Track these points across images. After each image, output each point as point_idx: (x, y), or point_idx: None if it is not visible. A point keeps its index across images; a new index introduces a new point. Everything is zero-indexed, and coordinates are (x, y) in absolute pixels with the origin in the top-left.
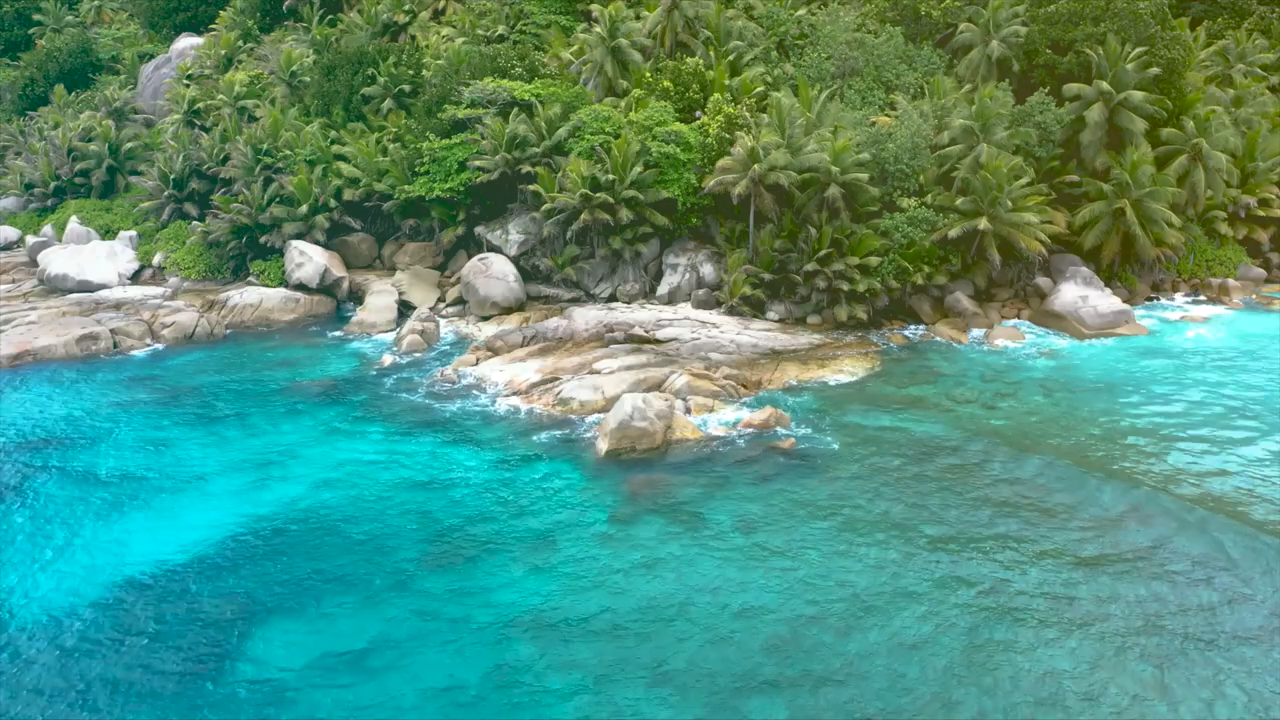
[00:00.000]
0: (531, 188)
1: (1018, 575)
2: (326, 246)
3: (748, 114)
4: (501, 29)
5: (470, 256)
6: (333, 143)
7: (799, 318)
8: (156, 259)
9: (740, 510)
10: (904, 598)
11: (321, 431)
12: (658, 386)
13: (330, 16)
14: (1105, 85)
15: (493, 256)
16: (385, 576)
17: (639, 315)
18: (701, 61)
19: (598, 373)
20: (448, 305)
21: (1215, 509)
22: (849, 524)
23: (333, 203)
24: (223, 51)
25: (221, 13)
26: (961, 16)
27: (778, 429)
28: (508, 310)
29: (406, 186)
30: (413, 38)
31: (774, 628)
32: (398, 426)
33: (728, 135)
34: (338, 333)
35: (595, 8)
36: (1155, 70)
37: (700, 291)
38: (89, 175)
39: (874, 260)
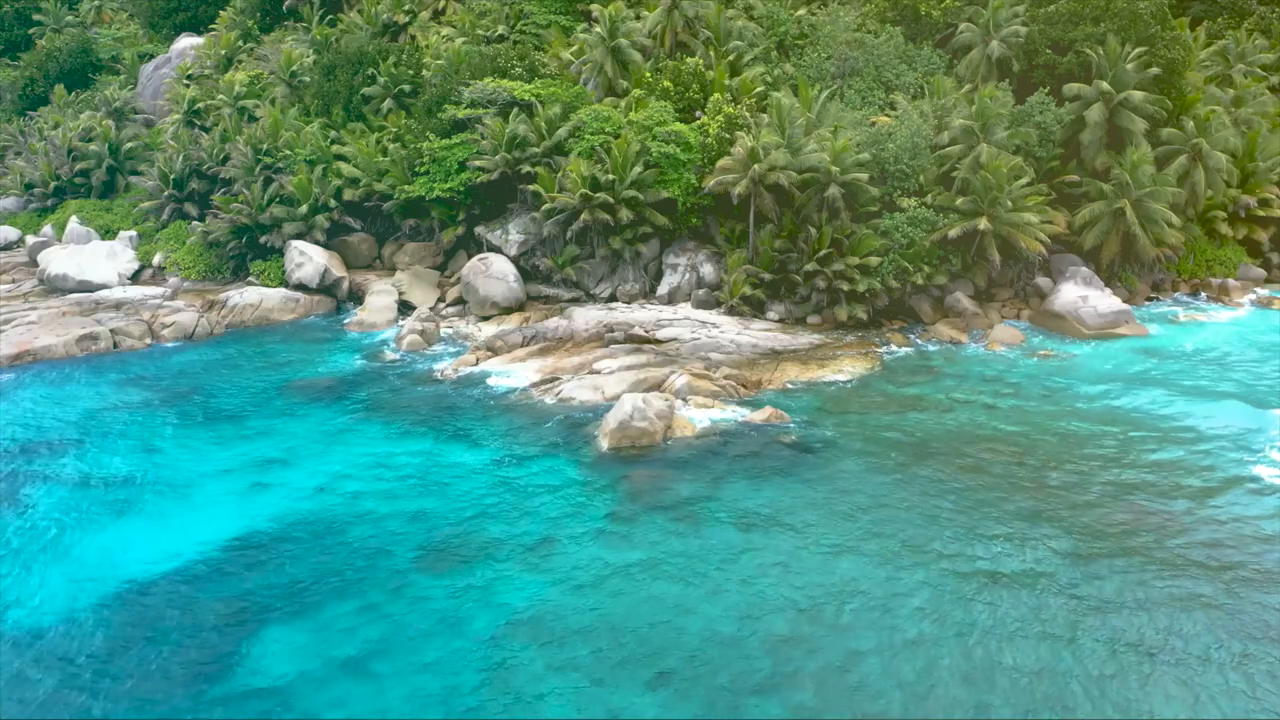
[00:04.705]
0: (531, 188)
1: (1017, 574)
2: (326, 246)
3: (748, 114)
4: (501, 29)
5: (470, 256)
6: (333, 143)
7: (799, 318)
8: (156, 259)
9: (740, 509)
10: (904, 596)
11: (321, 432)
12: (658, 386)
13: (330, 16)
14: (1105, 85)
15: (493, 256)
16: (384, 578)
17: (639, 315)
18: (701, 61)
19: (598, 373)
20: (448, 305)
21: (1215, 512)
22: (849, 523)
23: (333, 203)
24: (223, 51)
25: (221, 13)
26: (961, 16)
27: (777, 428)
28: (508, 310)
29: (406, 186)
30: (413, 38)
31: (773, 626)
32: (397, 426)
33: (728, 135)
34: (337, 333)
35: (595, 8)
36: (1155, 70)
37: (700, 291)
38: (89, 175)
39: (874, 260)
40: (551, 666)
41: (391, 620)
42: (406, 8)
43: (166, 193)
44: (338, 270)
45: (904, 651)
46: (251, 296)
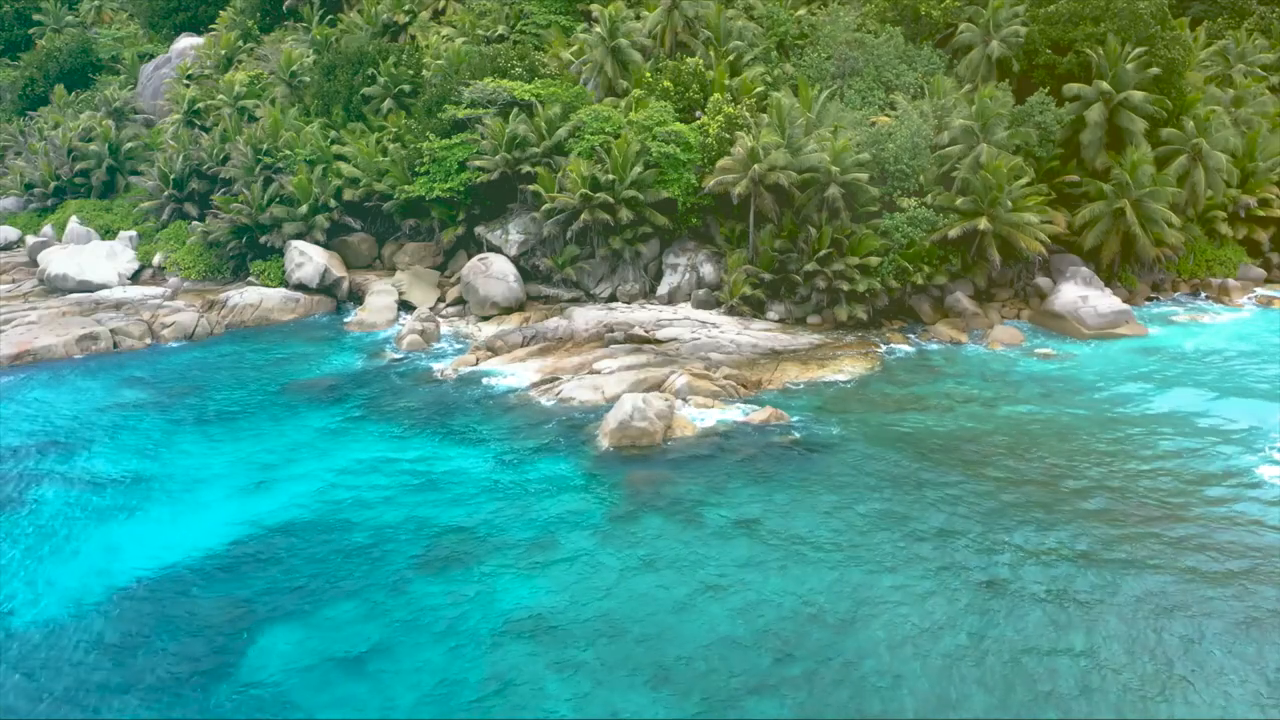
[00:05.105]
0: (531, 188)
1: (1018, 573)
2: (326, 246)
3: (748, 114)
4: (501, 29)
5: (470, 256)
6: (333, 143)
7: (799, 318)
8: (156, 259)
9: (740, 509)
10: (904, 596)
11: (321, 432)
12: (658, 386)
13: (330, 16)
14: (1105, 85)
15: (493, 256)
16: (385, 578)
17: (639, 315)
18: (701, 61)
19: (598, 373)
20: (448, 305)
21: (1217, 510)
22: (849, 523)
23: (333, 203)
24: (223, 51)
25: (221, 13)
26: (961, 16)
27: (777, 428)
28: (508, 310)
29: (406, 186)
30: (413, 38)
31: (774, 626)
32: (397, 426)
33: (728, 135)
34: (338, 333)
35: (595, 8)
36: (1155, 70)
37: (700, 291)
38: (89, 175)
39: (874, 260)
40: (552, 666)
41: (392, 620)
42: (406, 8)
43: (166, 193)
44: (338, 270)
45: (907, 652)
46: (251, 296)
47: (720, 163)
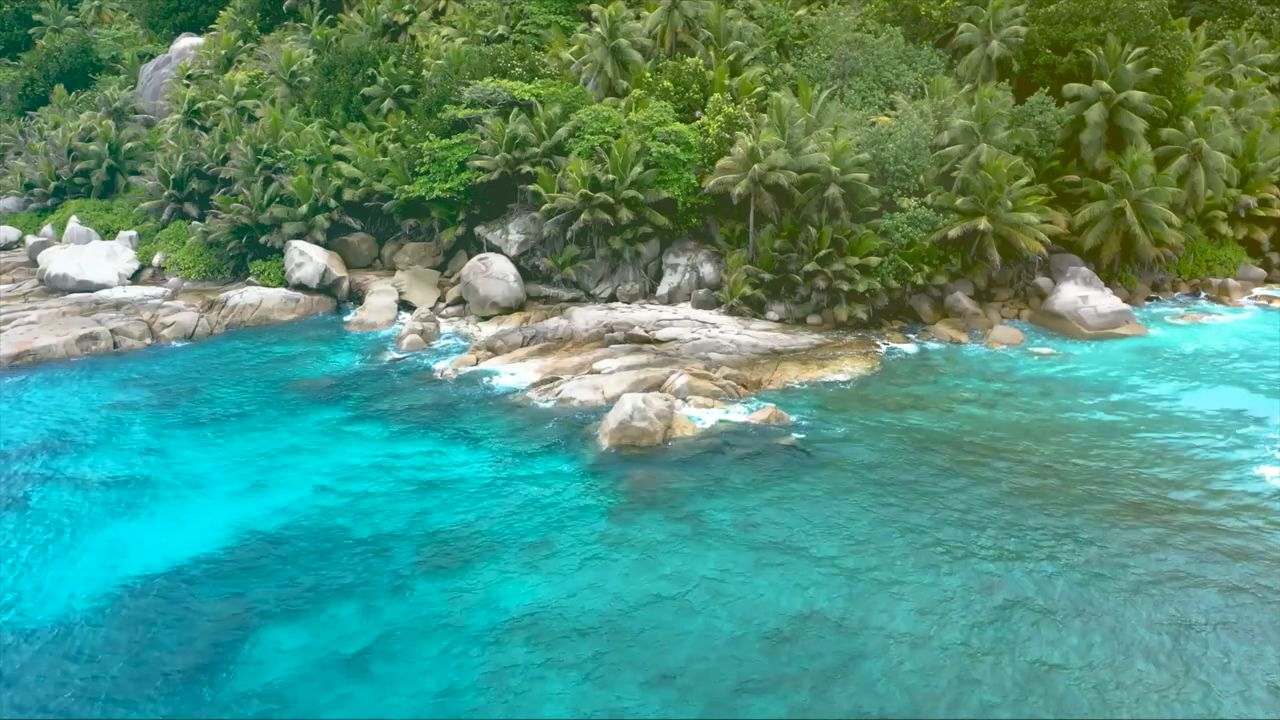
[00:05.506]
0: (531, 188)
1: (1018, 572)
2: (326, 246)
3: (748, 114)
4: (501, 29)
5: (470, 256)
6: (333, 143)
7: (799, 318)
8: (156, 259)
9: (740, 509)
10: (904, 596)
11: (321, 432)
12: (658, 386)
13: (330, 16)
14: (1105, 85)
15: (493, 256)
16: (385, 578)
17: (639, 315)
18: (701, 61)
19: (598, 373)
20: (448, 305)
21: (1213, 511)
22: (849, 522)
23: (333, 203)
24: (223, 51)
25: (221, 13)
26: (961, 16)
27: (778, 428)
28: (508, 310)
29: (406, 186)
30: (413, 38)
31: (774, 626)
32: (397, 426)
33: (728, 135)
34: (338, 333)
35: (595, 8)
36: (1155, 70)
37: (700, 291)
38: (89, 175)
39: (874, 260)
40: (552, 666)
41: (392, 620)
42: (406, 8)
43: (166, 193)
44: (338, 270)
45: (907, 652)
46: (251, 296)
47: (720, 163)
